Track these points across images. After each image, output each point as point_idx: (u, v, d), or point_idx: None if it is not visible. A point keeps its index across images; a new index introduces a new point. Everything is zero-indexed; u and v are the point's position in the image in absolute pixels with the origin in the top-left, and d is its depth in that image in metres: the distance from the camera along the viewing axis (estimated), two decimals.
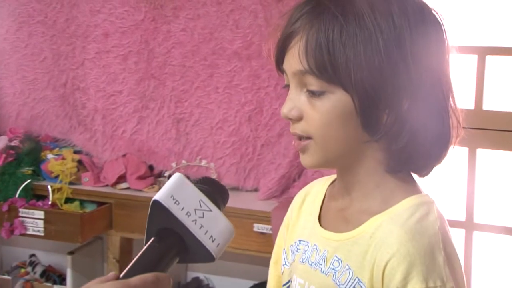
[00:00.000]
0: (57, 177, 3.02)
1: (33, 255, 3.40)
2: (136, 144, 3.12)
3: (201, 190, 0.92)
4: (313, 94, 1.02)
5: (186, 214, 0.89)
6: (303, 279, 1.11)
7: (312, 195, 1.20)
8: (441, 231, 1.00)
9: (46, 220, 2.86)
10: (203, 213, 0.90)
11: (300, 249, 1.14)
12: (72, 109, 3.26)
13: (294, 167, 2.86)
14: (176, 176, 0.92)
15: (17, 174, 3.03)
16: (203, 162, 3.01)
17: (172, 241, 0.89)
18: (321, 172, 2.76)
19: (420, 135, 1.01)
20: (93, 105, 3.19)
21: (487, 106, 2.63)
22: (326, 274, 1.06)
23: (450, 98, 1.05)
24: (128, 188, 3.02)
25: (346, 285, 1.02)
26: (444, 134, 1.04)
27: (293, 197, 3.00)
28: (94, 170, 3.11)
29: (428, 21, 1.02)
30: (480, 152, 2.65)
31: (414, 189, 1.06)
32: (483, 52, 2.63)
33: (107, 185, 3.05)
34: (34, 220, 2.87)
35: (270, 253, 2.76)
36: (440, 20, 1.04)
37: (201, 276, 3.18)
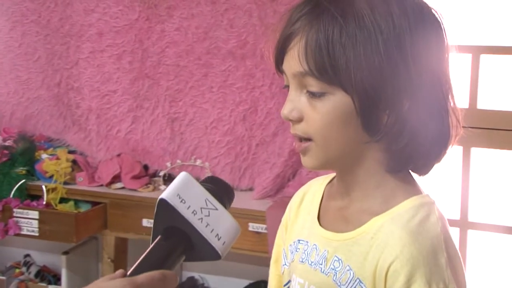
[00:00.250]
0: (51, 177, 3.01)
1: (27, 255, 3.39)
2: (130, 144, 3.12)
3: (207, 189, 0.93)
4: (313, 95, 1.01)
5: (192, 212, 0.90)
6: (303, 278, 1.11)
7: (310, 194, 1.20)
8: (443, 232, 1.01)
9: (40, 220, 2.86)
10: (209, 212, 0.91)
11: (299, 248, 1.14)
12: (66, 108, 3.25)
13: (289, 166, 2.86)
14: (182, 175, 0.93)
15: (11, 174, 3.02)
16: (198, 162, 3.01)
17: (179, 239, 0.90)
18: (316, 172, 2.76)
19: (421, 135, 1.01)
20: (87, 105, 3.19)
21: (481, 105, 2.63)
22: (327, 274, 1.06)
23: (450, 97, 1.05)
24: (122, 187, 3.01)
25: (347, 286, 1.02)
26: (444, 134, 1.04)
27: (288, 197, 3.01)
28: (89, 170, 3.10)
29: (428, 21, 1.02)
30: (475, 151, 2.66)
31: (414, 189, 1.06)
32: (477, 51, 2.64)
33: (101, 185, 3.05)
34: (28, 220, 2.87)
35: (265, 252, 2.77)
36: (440, 20, 1.04)
37: (196, 275, 3.18)
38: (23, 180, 3.00)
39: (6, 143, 3.17)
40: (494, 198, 2.75)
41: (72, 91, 3.22)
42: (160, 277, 0.84)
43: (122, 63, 3.11)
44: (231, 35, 2.93)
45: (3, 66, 3.34)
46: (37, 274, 3.28)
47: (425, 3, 1.04)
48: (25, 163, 3.09)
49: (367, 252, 1.01)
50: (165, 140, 3.07)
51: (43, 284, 3.21)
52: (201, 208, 0.90)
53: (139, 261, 0.88)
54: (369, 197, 1.06)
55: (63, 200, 2.97)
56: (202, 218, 0.90)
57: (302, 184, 3.02)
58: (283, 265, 1.20)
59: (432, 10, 1.04)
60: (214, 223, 0.91)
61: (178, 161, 3.03)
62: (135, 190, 2.98)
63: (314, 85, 1.01)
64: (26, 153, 3.12)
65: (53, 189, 2.96)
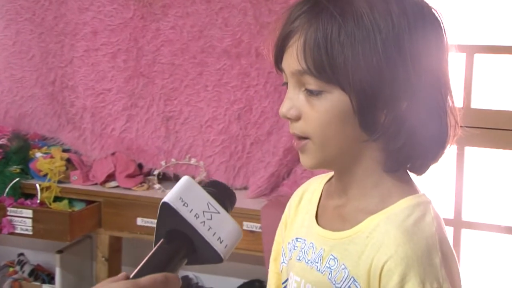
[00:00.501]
0: (45, 175, 3.01)
1: (21, 254, 3.38)
2: (125, 143, 3.12)
3: (209, 193, 0.94)
4: (311, 93, 1.01)
5: (195, 216, 0.91)
6: (299, 276, 1.11)
7: (309, 193, 1.20)
8: (437, 232, 1.01)
9: (34, 219, 2.85)
10: (211, 215, 0.92)
11: (297, 246, 1.14)
12: (61, 107, 3.25)
13: (284, 165, 2.86)
14: (185, 178, 0.95)
15: (5, 172, 3.02)
16: (193, 161, 3.00)
17: (181, 242, 0.91)
18: (311, 171, 2.76)
19: (418, 135, 1.01)
20: (82, 103, 3.18)
21: (475, 104, 2.64)
22: (322, 273, 1.06)
23: (449, 98, 1.05)
24: (117, 186, 3.01)
25: (342, 284, 1.02)
26: (441, 134, 1.04)
27: (282, 195, 3.02)
28: (83, 168, 3.10)
29: (427, 21, 1.02)
30: (468, 150, 2.67)
31: (411, 189, 1.06)
32: (471, 50, 2.64)
33: (96, 184, 3.04)
34: (22, 219, 2.86)
35: (260, 251, 2.77)
36: (440, 19, 1.04)
37: (191, 274, 3.18)
38: (17, 179, 2.99)
39: (0, 142, 3.16)
40: (488, 197, 2.75)
41: (66, 89, 3.22)
42: (162, 280, 0.85)
43: (116, 62, 3.10)
44: (226, 33, 2.93)
45: None
46: (31, 273, 3.28)
47: (425, 3, 1.04)
48: (19, 161, 3.08)
49: (363, 251, 1.02)
50: (160, 138, 3.07)
51: (37, 283, 3.20)
52: (203, 212, 0.91)
53: (142, 263, 0.89)
54: (366, 196, 1.06)
55: (57, 199, 2.97)
56: (204, 222, 0.91)
57: (297, 183, 3.03)
58: (282, 263, 1.20)
59: (432, 10, 1.04)
60: (216, 227, 0.91)
61: (173, 159, 3.03)
62: (129, 188, 2.98)
63: (312, 83, 1.01)
64: (20, 151, 3.11)
65: (47, 188, 2.95)
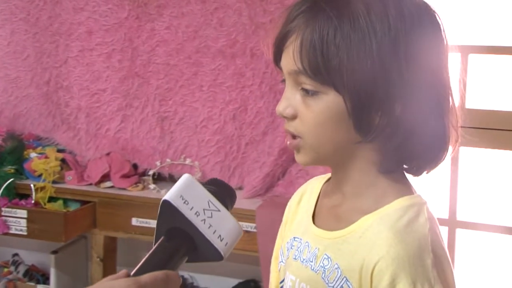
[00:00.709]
0: (40, 176, 3.00)
1: (16, 254, 3.38)
2: (120, 143, 3.11)
3: (209, 191, 0.94)
4: (307, 93, 1.02)
5: (195, 214, 0.91)
6: (295, 275, 1.11)
7: (308, 193, 1.21)
8: (430, 233, 1.00)
9: (29, 219, 2.85)
10: (211, 213, 0.92)
11: (294, 246, 1.15)
12: (56, 107, 3.24)
13: (279, 165, 2.86)
14: (185, 176, 0.94)
15: (0, 173, 3.01)
16: (188, 161, 3.00)
17: (182, 240, 0.91)
18: (306, 171, 2.77)
19: (414, 137, 1.01)
20: (76, 104, 3.18)
21: (469, 104, 2.65)
22: (316, 272, 1.06)
23: (449, 100, 1.04)
24: (112, 186, 3.01)
25: (334, 284, 1.03)
26: (438, 137, 1.04)
27: (277, 195, 3.01)
28: (78, 168, 3.10)
29: (425, 23, 1.02)
30: (463, 150, 2.67)
31: (406, 189, 1.06)
32: (466, 51, 2.65)
33: (91, 184, 3.04)
34: (17, 219, 2.86)
35: (255, 251, 2.77)
36: (439, 21, 1.04)
37: (186, 274, 3.18)
38: (12, 179, 2.99)
39: None
40: (483, 197, 2.76)
41: (61, 89, 3.21)
42: (163, 277, 0.85)
43: (111, 62, 3.10)
44: (221, 34, 2.93)
45: None
46: (26, 274, 3.27)
47: (425, 4, 1.03)
48: (13, 162, 3.07)
49: (355, 251, 1.02)
50: (155, 139, 3.07)
51: (32, 284, 3.20)
52: (203, 210, 0.92)
53: (142, 261, 0.89)
54: (361, 196, 1.06)
55: (52, 199, 2.97)
56: (204, 220, 0.91)
57: (292, 183, 3.03)
58: (280, 262, 1.20)
59: (431, 11, 1.04)
60: (217, 225, 0.92)
61: (168, 160, 3.03)
62: (124, 189, 2.98)
63: (308, 83, 1.01)
64: (14, 152, 3.11)
65: (42, 188, 2.95)
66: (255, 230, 2.61)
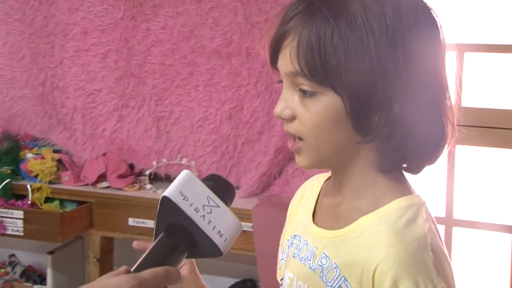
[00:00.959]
0: (36, 176, 3.00)
1: (12, 255, 3.37)
2: (116, 143, 3.11)
3: (209, 187, 0.95)
4: (304, 94, 1.02)
5: (195, 210, 0.91)
6: (293, 273, 1.11)
7: (308, 191, 1.21)
8: (429, 233, 1.00)
9: (25, 220, 2.84)
10: (211, 209, 0.92)
11: (294, 243, 1.15)
12: (51, 107, 3.24)
13: (275, 165, 2.86)
14: (184, 172, 0.95)
15: None
16: (184, 161, 3.00)
17: (181, 236, 0.91)
18: (302, 170, 2.77)
19: (413, 136, 1.01)
20: (72, 104, 3.17)
21: (465, 103, 2.65)
22: (314, 271, 1.06)
23: (446, 99, 1.04)
24: (108, 187, 3.01)
25: (332, 283, 1.02)
26: (437, 136, 1.04)
27: (274, 195, 3.01)
28: (74, 169, 3.09)
29: (423, 22, 1.01)
30: (460, 148, 2.68)
31: (405, 189, 1.06)
32: (462, 49, 2.65)
33: (87, 184, 3.04)
34: (13, 220, 2.86)
35: (252, 250, 2.76)
36: (436, 20, 1.04)
37: None
38: (8, 180, 2.98)
39: None
40: (480, 196, 2.76)
41: (57, 90, 3.21)
42: (163, 273, 0.86)
43: (107, 62, 3.10)
44: (217, 33, 2.93)
45: None
46: (22, 274, 3.27)
47: (422, 3, 1.03)
48: (10, 162, 3.07)
49: (354, 250, 1.01)
50: (151, 139, 3.07)
51: (29, 284, 3.20)
52: (203, 206, 0.92)
53: (142, 257, 0.89)
54: (360, 196, 1.06)
55: (48, 200, 2.96)
56: (204, 216, 0.91)
57: (288, 182, 3.03)
58: (281, 259, 1.20)
59: (429, 10, 1.03)
60: (216, 220, 0.92)
61: (164, 160, 3.03)
62: (121, 189, 2.98)
63: (305, 84, 1.01)
64: (11, 152, 3.10)
65: (38, 189, 2.95)
66: (251, 230, 2.61)
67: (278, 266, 1.22)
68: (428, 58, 1.02)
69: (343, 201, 1.09)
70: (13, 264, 3.31)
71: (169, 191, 0.92)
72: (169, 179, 3.05)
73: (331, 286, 1.03)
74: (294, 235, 1.16)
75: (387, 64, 0.98)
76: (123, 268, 0.88)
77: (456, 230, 2.75)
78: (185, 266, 1.23)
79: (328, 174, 1.17)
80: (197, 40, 2.96)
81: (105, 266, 3.02)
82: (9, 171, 3.04)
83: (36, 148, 3.19)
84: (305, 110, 1.02)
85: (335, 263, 1.03)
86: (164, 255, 0.90)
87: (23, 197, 2.97)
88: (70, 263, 3.20)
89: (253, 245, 2.58)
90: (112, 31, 3.08)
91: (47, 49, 3.21)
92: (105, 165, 3.04)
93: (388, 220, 1.01)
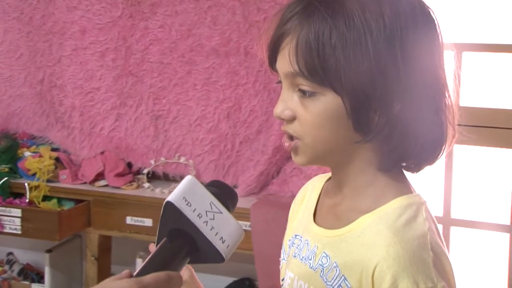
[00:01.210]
0: (34, 174, 3.00)
1: (10, 253, 3.37)
2: (114, 141, 3.11)
3: (212, 193, 0.95)
4: (304, 94, 1.02)
5: (198, 215, 0.92)
6: (294, 273, 1.11)
7: (310, 191, 1.21)
8: (429, 232, 1.00)
9: (23, 218, 2.84)
10: (213, 215, 0.93)
11: (295, 243, 1.15)
12: (50, 106, 3.24)
13: (273, 164, 2.86)
14: (188, 178, 0.96)
15: None
16: (182, 159, 3.00)
17: (184, 241, 0.92)
18: (300, 169, 2.77)
19: (412, 136, 1.01)
20: (70, 102, 3.17)
21: (463, 102, 2.65)
22: (314, 270, 1.06)
23: (446, 98, 1.04)
24: (106, 185, 3.01)
25: (332, 282, 1.02)
26: (436, 135, 1.04)
27: (272, 194, 3.01)
28: (72, 167, 3.09)
29: (421, 21, 1.01)
30: (457, 148, 2.68)
31: (405, 188, 1.06)
32: (460, 49, 2.65)
33: (85, 183, 3.04)
34: (11, 218, 2.85)
35: (250, 249, 2.77)
36: (434, 19, 1.04)
37: None
38: (6, 178, 2.98)
39: None
40: (477, 195, 2.77)
41: (55, 88, 3.21)
42: (165, 278, 0.86)
43: (105, 61, 3.10)
44: (215, 32, 2.93)
45: None
46: (20, 272, 3.27)
47: (420, 2, 1.03)
48: (7, 160, 3.07)
49: (354, 250, 1.02)
50: (149, 137, 3.07)
51: (26, 283, 3.20)
52: (206, 211, 0.93)
53: (145, 262, 0.90)
54: (360, 195, 1.06)
55: (46, 198, 2.96)
56: (207, 221, 0.92)
57: (286, 182, 3.03)
58: (282, 259, 1.20)
59: (427, 9, 1.04)
60: (219, 226, 0.93)
61: (162, 158, 3.02)
62: (118, 187, 2.98)
63: (305, 85, 1.01)
64: (8, 150, 3.10)
65: (36, 187, 2.95)
66: (249, 229, 2.61)
67: (280, 266, 1.22)
68: (426, 57, 1.02)
69: (344, 201, 1.09)
70: (11, 263, 3.31)
71: (172, 196, 0.93)
72: (167, 178, 3.05)
73: (331, 285, 1.03)
74: (295, 235, 1.16)
75: (386, 63, 0.98)
76: (126, 272, 0.88)
77: (454, 230, 2.75)
78: (185, 271, 1.24)
79: (329, 174, 1.17)
80: (195, 39, 2.96)
81: (103, 264, 3.02)
82: (7, 169, 3.04)
83: (34, 147, 3.19)
84: (305, 111, 1.02)
85: (335, 263, 1.03)
86: (166, 260, 0.90)
87: (21, 195, 2.97)
88: (68, 261, 3.20)
89: (251, 244, 2.58)
90: (110, 29, 3.08)
91: (45, 48, 3.20)
92: (103, 163, 3.04)
93: (388, 219, 1.01)
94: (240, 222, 0.93)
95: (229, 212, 0.96)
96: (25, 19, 3.22)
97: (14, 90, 3.28)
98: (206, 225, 0.92)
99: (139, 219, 2.83)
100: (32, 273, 3.29)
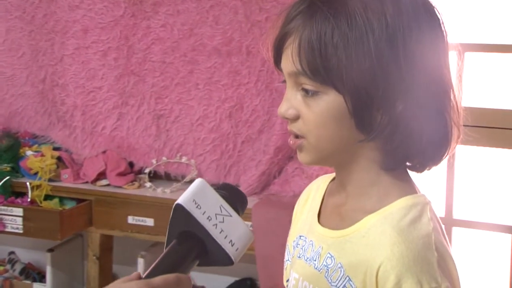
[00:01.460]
0: (36, 174, 3.00)
1: (12, 252, 3.37)
2: (116, 141, 3.11)
3: (222, 196, 0.96)
4: (307, 93, 1.02)
5: (207, 218, 0.93)
6: (298, 274, 1.11)
7: (313, 191, 1.21)
8: (434, 232, 1.00)
9: (25, 217, 2.84)
10: (223, 218, 0.94)
11: (299, 244, 1.15)
12: (51, 105, 3.24)
13: (275, 163, 2.86)
14: (198, 181, 0.96)
15: None
16: (184, 159, 3.00)
17: (193, 244, 0.93)
18: (302, 169, 2.76)
19: (415, 135, 1.01)
20: (72, 101, 3.17)
21: (465, 102, 2.64)
22: (319, 271, 1.06)
23: (450, 98, 1.04)
24: (108, 185, 3.01)
25: (337, 283, 1.02)
26: (441, 134, 1.04)
27: (273, 194, 3.00)
28: (74, 166, 3.09)
29: (424, 20, 1.01)
30: (459, 148, 2.67)
31: (409, 188, 1.06)
32: (462, 49, 2.64)
33: (87, 182, 3.04)
34: (13, 217, 2.86)
35: (251, 249, 2.76)
36: (439, 17, 1.04)
37: None
38: (8, 177, 2.98)
39: None
40: (480, 195, 2.76)
41: (57, 87, 3.21)
42: (174, 280, 0.87)
43: (107, 60, 3.10)
44: (217, 32, 2.93)
45: None
46: (22, 272, 3.27)
47: (424, 1, 1.03)
48: (9, 160, 3.07)
49: (359, 250, 1.01)
50: (151, 137, 3.06)
51: (28, 282, 3.20)
52: (216, 215, 0.93)
53: (154, 264, 0.90)
54: (364, 194, 1.06)
55: (48, 197, 2.96)
56: (216, 224, 0.93)
57: (288, 182, 3.02)
58: (286, 260, 1.20)
59: (431, 8, 1.03)
60: (228, 230, 0.93)
61: (164, 158, 3.02)
62: (120, 187, 2.98)
63: (308, 84, 1.01)
64: (10, 150, 3.10)
65: (38, 186, 2.95)
66: (251, 229, 2.61)
67: (284, 267, 1.22)
68: (429, 56, 1.01)
69: (348, 201, 1.09)
70: (12, 262, 3.31)
71: (182, 199, 0.93)
72: (168, 178, 3.05)
73: (336, 286, 1.03)
74: (300, 236, 1.16)
75: (388, 62, 0.98)
76: (135, 273, 0.89)
77: (455, 230, 2.75)
78: None
79: (333, 175, 1.17)
80: (197, 38, 2.96)
81: (105, 264, 3.02)
82: (8, 169, 3.04)
83: (36, 146, 3.19)
84: (308, 110, 1.02)
85: (340, 263, 1.03)
86: (175, 262, 0.91)
87: (23, 194, 2.97)
88: (70, 261, 3.20)
89: (253, 244, 2.58)
90: (112, 28, 3.08)
91: (47, 47, 3.21)
92: (104, 163, 3.04)
93: (393, 219, 1.01)
94: None
95: (239, 215, 0.96)
96: (27, 18, 3.22)
97: (16, 89, 3.28)
98: (216, 228, 0.92)
99: (141, 218, 2.83)
100: (34, 273, 3.29)
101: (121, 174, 3.02)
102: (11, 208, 2.86)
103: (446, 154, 1.06)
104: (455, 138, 1.05)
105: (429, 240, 0.99)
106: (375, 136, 1.01)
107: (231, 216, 0.94)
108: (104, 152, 3.11)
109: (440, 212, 2.71)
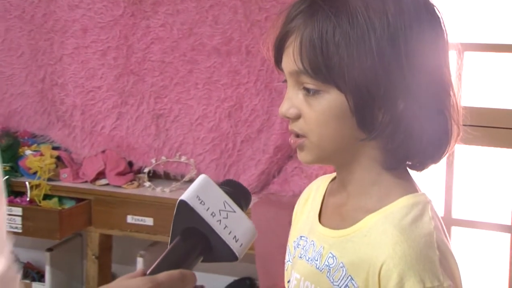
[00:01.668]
0: (35, 173, 3.00)
1: (11, 251, 3.37)
2: (115, 140, 3.11)
3: (225, 192, 0.95)
4: (308, 92, 1.02)
5: (211, 214, 0.92)
6: (300, 274, 1.11)
7: (314, 191, 1.21)
8: (435, 231, 1.01)
9: (24, 217, 2.84)
10: (227, 214, 0.93)
11: (300, 244, 1.14)
12: (51, 104, 3.24)
13: (274, 163, 2.86)
14: (202, 177, 0.96)
15: None
16: (183, 158, 3.00)
17: (197, 240, 0.92)
18: (301, 169, 2.77)
19: (416, 134, 1.01)
20: (71, 101, 3.17)
21: (464, 102, 2.65)
22: (321, 271, 1.06)
23: (450, 97, 1.04)
24: (107, 184, 3.01)
25: (339, 283, 1.02)
26: (441, 133, 1.04)
27: (273, 193, 3.00)
28: (73, 166, 3.09)
29: (425, 19, 1.01)
30: (458, 147, 2.68)
31: (410, 187, 1.06)
32: (461, 49, 2.64)
33: (86, 181, 3.04)
34: (12, 216, 2.85)
35: (250, 249, 2.75)
36: (440, 17, 1.04)
37: None
38: (7, 177, 2.98)
39: None
40: (479, 195, 2.76)
41: (56, 87, 3.21)
42: (179, 276, 0.87)
43: (106, 59, 3.10)
44: (216, 31, 2.93)
45: None
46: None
47: (425, 0, 1.03)
48: (8, 159, 3.07)
49: (360, 249, 1.01)
50: (150, 136, 3.06)
51: (27, 281, 3.19)
52: (219, 211, 0.93)
53: (159, 260, 0.90)
54: (365, 194, 1.06)
55: (47, 197, 2.96)
56: (220, 220, 0.92)
57: (287, 181, 3.03)
58: (287, 261, 1.20)
59: (432, 7, 1.04)
60: (232, 225, 0.93)
61: (163, 157, 3.02)
62: (119, 186, 2.98)
63: (309, 83, 1.01)
64: (9, 149, 3.10)
65: (37, 186, 2.95)
66: None
67: (285, 268, 1.22)
68: (430, 55, 1.02)
69: (349, 200, 1.09)
70: None
71: (186, 195, 0.93)
72: (168, 177, 3.05)
73: (338, 285, 1.03)
74: (301, 236, 1.16)
75: (389, 61, 0.98)
76: (140, 270, 0.89)
77: (455, 230, 2.75)
78: None
79: (333, 175, 1.17)
80: (197, 38, 2.96)
81: (104, 263, 3.02)
82: (7, 168, 3.04)
83: (35, 145, 3.19)
84: (309, 109, 1.02)
85: (341, 263, 1.03)
86: (180, 258, 0.91)
87: (22, 194, 2.97)
88: (69, 260, 3.20)
89: (252, 243, 2.58)
90: (111, 28, 3.08)
91: (47, 46, 3.20)
92: (104, 162, 3.04)
93: (394, 218, 1.01)
94: None
95: (243, 211, 0.96)
96: (27, 17, 3.22)
97: (15, 88, 3.28)
98: (220, 223, 0.92)
99: (140, 218, 2.83)
100: (33, 272, 3.28)
101: (121, 174, 3.02)
102: (10, 207, 2.85)
103: (445, 153, 1.06)
104: (455, 137, 1.06)
105: (430, 239, 0.99)
106: (377, 135, 1.01)
107: (235, 212, 0.94)
108: (103, 151, 3.11)
109: (439, 212, 2.70)
